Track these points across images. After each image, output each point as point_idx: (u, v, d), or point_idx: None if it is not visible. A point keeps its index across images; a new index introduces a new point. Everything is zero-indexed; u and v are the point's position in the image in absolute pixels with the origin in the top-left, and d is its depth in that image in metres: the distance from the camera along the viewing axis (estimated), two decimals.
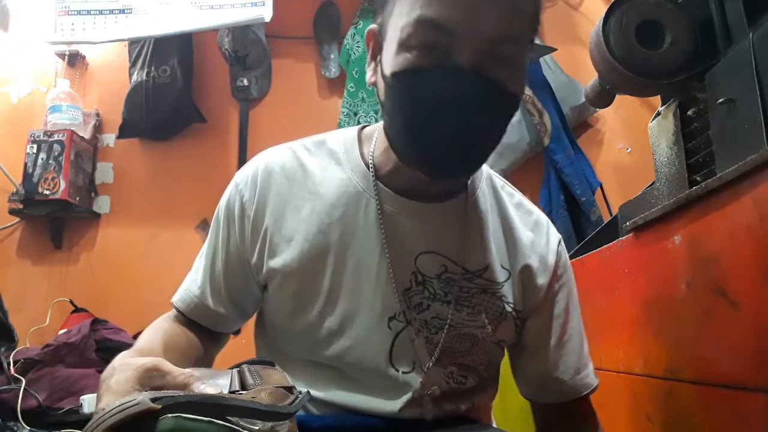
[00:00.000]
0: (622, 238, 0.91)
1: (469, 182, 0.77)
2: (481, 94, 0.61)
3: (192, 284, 0.79)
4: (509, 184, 0.84)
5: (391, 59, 0.64)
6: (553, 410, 0.79)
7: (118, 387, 0.49)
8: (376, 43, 0.71)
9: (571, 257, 1.12)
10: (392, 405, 0.71)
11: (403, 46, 0.62)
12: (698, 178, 0.80)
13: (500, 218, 0.79)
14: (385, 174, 0.74)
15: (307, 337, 0.73)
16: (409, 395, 0.71)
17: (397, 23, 0.63)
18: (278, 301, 0.75)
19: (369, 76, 0.72)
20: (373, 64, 0.71)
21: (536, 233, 0.80)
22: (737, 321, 0.63)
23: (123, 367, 0.51)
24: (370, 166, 0.74)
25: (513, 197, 0.83)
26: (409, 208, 0.73)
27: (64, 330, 1.62)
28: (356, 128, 0.81)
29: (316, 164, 0.77)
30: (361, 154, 0.77)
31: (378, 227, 0.73)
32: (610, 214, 1.69)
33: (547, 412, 0.81)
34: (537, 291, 0.77)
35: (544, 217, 0.83)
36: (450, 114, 0.62)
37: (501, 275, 0.76)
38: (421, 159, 0.66)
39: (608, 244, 0.95)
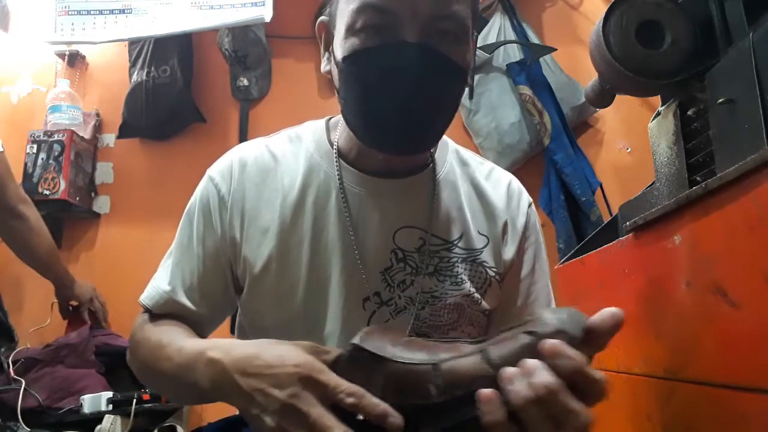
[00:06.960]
0: (622, 238, 0.91)
1: (436, 156, 0.80)
2: (429, 65, 0.64)
3: (161, 282, 0.78)
4: (478, 155, 0.87)
5: (341, 45, 0.68)
6: None
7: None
8: (327, 34, 0.74)
9: (571, 257, 1.12)
10: None
11: (351, 30, 0.66)
12: (698, 178, 0.79)
13: (472, 186, 0.82)
14: (352, 158, 0.76)
15: (291, 329, 0.72)
16: None
17: (344, 11, 0.67)
18: (259, 295, 0.75)
19: (323, 66, 0.74)
20: (327, 54, 0.74)
21: (508, 196, 0.83)
22: (737, 321, 0.63)
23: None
24: (335, 151, 0.77)
25: (483, 165, 0.86)
26: (378, 187, 0.75)
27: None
28: (325, 118, 0.83)
29: (289, 154, 0.78)
30: (330, 142, 0.79)
31: (343, 211, 0.74)
32: (610, 214, 1.69)
33: None
34: (509, 252, 0.80)
35: (516, 182, 0.87)
36: (401, 87, 0.64)
37: (479, 242, 0.78)
38: (378, 135, 0.69)
39: (608, 244, 0.95)
